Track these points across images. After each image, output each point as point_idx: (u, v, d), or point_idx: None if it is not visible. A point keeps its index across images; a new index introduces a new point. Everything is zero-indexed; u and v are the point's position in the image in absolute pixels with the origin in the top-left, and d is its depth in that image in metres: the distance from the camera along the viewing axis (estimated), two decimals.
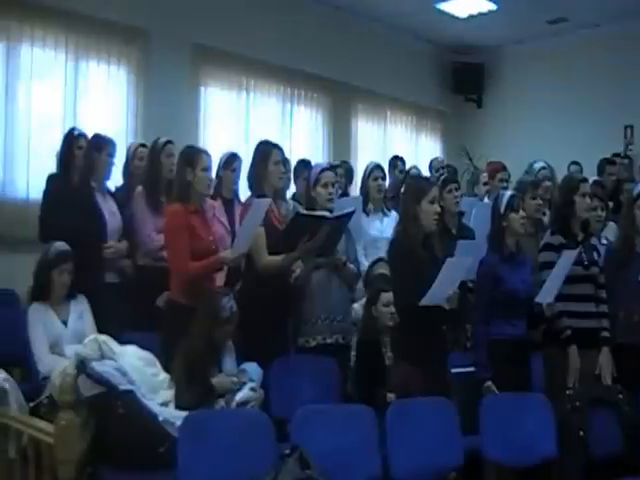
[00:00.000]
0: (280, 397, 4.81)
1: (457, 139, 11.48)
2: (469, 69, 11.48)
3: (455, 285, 4.67)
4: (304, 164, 7.30)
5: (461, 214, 6.45)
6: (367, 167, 6.71)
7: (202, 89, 8.58)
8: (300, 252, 4.94)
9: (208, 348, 4.52)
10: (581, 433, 4.64)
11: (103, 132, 6.10)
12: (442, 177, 6.59)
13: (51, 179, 6.03)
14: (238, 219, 5.47)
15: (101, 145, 5.75)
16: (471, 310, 5.24)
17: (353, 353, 5.24)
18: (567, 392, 4.84)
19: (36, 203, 6.26)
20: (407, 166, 8.37)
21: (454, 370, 4.97)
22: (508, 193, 5.23)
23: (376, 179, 6.58)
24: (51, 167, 6.11)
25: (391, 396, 4.68)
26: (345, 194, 7.45)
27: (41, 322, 4.90)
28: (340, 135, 10.10)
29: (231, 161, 6.37)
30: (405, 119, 11.14)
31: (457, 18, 10.25)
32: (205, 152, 5.11)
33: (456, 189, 6.29)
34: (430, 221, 4.83)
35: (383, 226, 6.46)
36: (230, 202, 6.27)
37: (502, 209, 5.06)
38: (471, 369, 4.96)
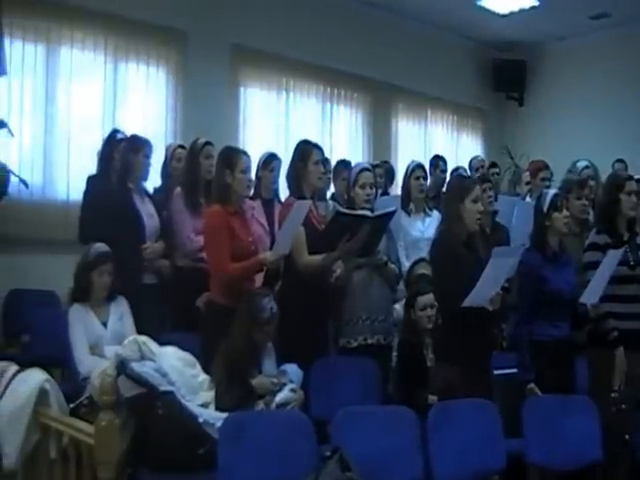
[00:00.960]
0: (320, 398, 4.80)
1: (498, 138, 11.41)
2: (510, 66, 11.39)
3: (498, 286, 4.63)
4: (344, 164, 7.28)
5: (494, 213, 6.42)
6: (408, 166, 6.69)
7: (241, 89, 8.62)
8: (341, 252, 4.93)
9: (248, 349, 4.51)
10: (627, 437, 4.58)
11: (142, 133, 6.14)
12: (477, 176, 6.58)
13: (91, 180, 6.08)
14: (277, 220, 5.47)
15: (138, 146, 5.76)
16: (508, 310, 5.18)
17: (394, 354, 5.23)
18: (612, 395, 4.77)
19: (76, 205, 6.32)
20: (448, 166, 8.32)
21: (496, 372, 4.93)
22: (552, 192, 5.17)
23: (418, 178, 6.55)
24: (91, 168, 6.16)
25: (433, 398, 4.66)
26: (386, 194, 7.43)
27: (81, 323, 4.92)
28: (380, 135, 10.08)
29: (270, 161, 6.37)
30: (446, 118, 11.09)
31: (498, 14, 10.16)
32: (244, 153, 5.11)
33: (490, 188, 6.28)
34: (473, 220, 4.79)
35: (424, 226, 6.43)
36: (269, 202, 6.26)
37: (545, 208, 5.00)
38: (513, 371, 4.91)
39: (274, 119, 8.89)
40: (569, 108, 10.82)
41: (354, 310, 5.21)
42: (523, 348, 4.82)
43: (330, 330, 5.31)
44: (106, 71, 7.44)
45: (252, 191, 5.85)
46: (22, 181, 6.33)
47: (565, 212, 5.01)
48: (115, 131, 6.32)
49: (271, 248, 5.08)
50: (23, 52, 6.89)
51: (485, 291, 4.54)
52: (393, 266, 5.36)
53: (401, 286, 5.70)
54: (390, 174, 8.18)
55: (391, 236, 5.48)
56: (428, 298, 5.04)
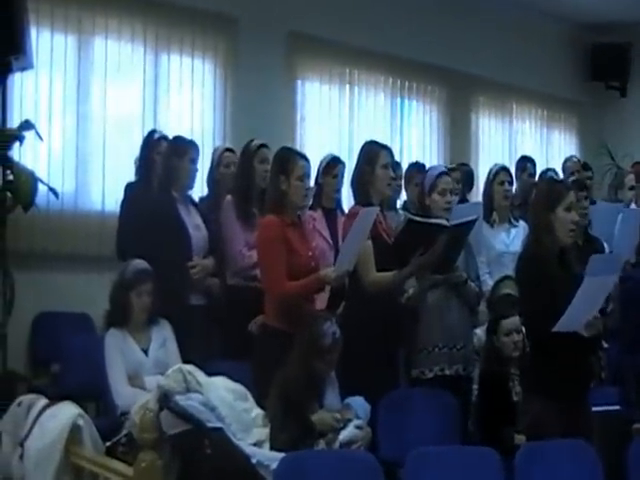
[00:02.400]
0: (390, 437, 4.82)
1: (596, 135, 11.29)
2: (611, 51, 11.24)
3: (595, 309, 4.59)
4: (417, 167, 7.29)
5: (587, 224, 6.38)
6: (491, 170, 6.68)
7: (299, 83, 8.67)
8: (414, 267, 4.94)
9: (308, 380, 4.55)
10: None
11: (186, 134, 6.23)
12: (572, 182, 6.52)
13: (129, 188, 6.20)
14: (341, 232, 5.49)
15: (182, 149, 5.80)
16: (609, 336, 5.14)
17: (475, 386, 5.22)
18: None
19: (113, 216, 6.45)
20: (537, 169, 8.27)
21: (594, 408, 4.89)
22: None
23: (502, 183, 6.54)
24: (129, 175, 6.26)
25: (520, 437, 4.64)
26: (463, 202, 7.41)
27: (119, 350, 5.01)
28: (458, 133, 10.07)
29: (332, 165, 6.39)
30: (534, 113, 11.03)
31: None
32: (302, 157, 5.16)
33: (585, 198, 6.22)
34: (566, 232, 4.75)
35: (510, 239, 6.42)
36: (332, 212, 6.30)
37: None
38: (615, 407, 4.87)
39: (336, 117, 8.93)
40: None
41: (429, 336, 5.21)
42: (627, 381, 4.79)
43: (401, 359, 5.32)
44: (146, 64, 7.51)
45: (311, 200, 5.88)
46: (51, 190, 6.44)
47: None
48: (153, 131, 6.44)
49: (334, 264, 5.11)
50: (52, 43, 6.97)
51: (580, 314, 4.50)
52: (473, 285, 5.35)
53: (483, 308, 5.69)
54: (469, 179, 8.14)
55: (471, 250, 5.48)
56: (514, 322, 5.03)
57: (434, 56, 9.57)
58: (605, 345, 5.76)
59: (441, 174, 5.36)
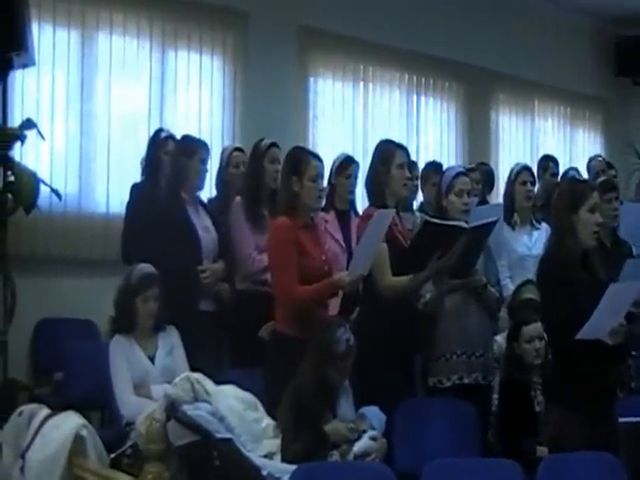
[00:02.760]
0: (406, 448, 4.82)
1: (622, 133, 11.28)
2: (637, 45, 11.22)
3: (620, 315, 4.57)
4: (433, 167, 7.29)
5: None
6: (512, 169, 6.67)
7: (311, 80, 8.68)
8: (431, 271, 4.94)
9: (320, 389, 4.55)
10: None
11: (193, 133, 6.24)
12: (599, 181, 6.50)
13: (135, 189, 6.21)
14: (355, 234, 5.50)
15: (191, 149, 5.82)
16: (636, 343, 5.13)
17: (495, 396, 5.22)
18: None
19: (118, 218, 6.46)
20: (561, 168, 8.26)
21: (621, 419, 4.87)
22: None
23: (524, 183, 6.54)
24: (135, 176, 6.28)
25: (542, 449, 4.64)
26: (483, 203, 7.41)
27: (124, 358, 5.02)
28: (477, 131, 10.07)
29: (346, 165, 6.37)
30: (557, 110, 11.03)
31: None
32: (315, 156, 5.15)
33: (616, 198, 6.21)
34: (589, 234, 4.74)
35: (532, 242, 6.42)
36: (345, 214, 6.29)
37: None
38: None
39: (350, 115, 8.94)
40: None
41: (447, 343, 5.21)
42: None
43: (418, 367, 5.32)
44: (152, 61, 7.52)
45: (324, 201, 5.89)
46: (54, 191, 6.45)
47: None
48: (159, 130, 6.45)
49: (347, 268, 5.11)
50: (54, 39, 6.98)
51: (605, 321, 4.48)
52: (493, 289, 5.35)
53: (503, 314, 5.69)
54: (488, 179, 8.14)
55: (491, 253, 5.47)
56: (535, 328, 5.02)
57: (452, 51, 9.57)
58: (634, 353, 5.76)
59: (458, 174, 5.36)
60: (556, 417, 4.63)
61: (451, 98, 9.90)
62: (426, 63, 9.54)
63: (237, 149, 6.60)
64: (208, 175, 6.07)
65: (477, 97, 10.08)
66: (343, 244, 6.10)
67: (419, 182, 7.25)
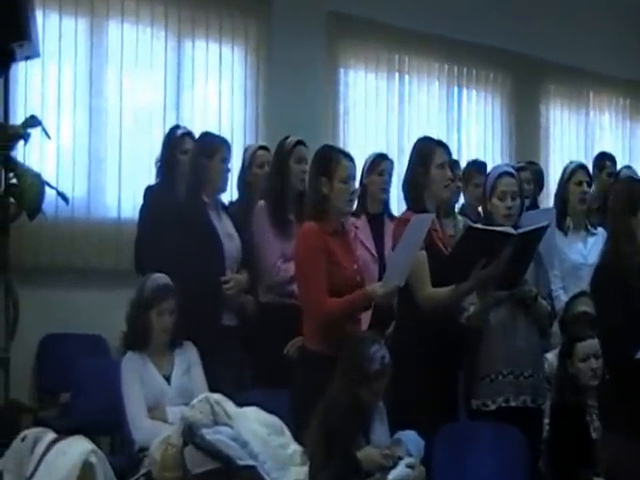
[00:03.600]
0: (447, 477, 4.81)
1: None
2: None
3: None
4: (476, 166, 7.29)
5: None
6: (566, 168, 6.66)
7: (341, 71, 8.69)
8: (475, 282, 4.93)
9: (352, 411, 4.55)
10: None
11: (213, 130, 6.26)
12: None
13: (150, 192, 6.23)
14: (390, 240, 5.49)
15: (212, 148, 5.84)
16: None
17: (547, 420, 5.19)
18: None
19: (130, 224, 6.50)
20: (619, 166, 8.23)
21: None
22: None
23: (579, 184, 6.52)
24: (149, 177, 6.30)
25: None
26: (534, 205, 7.39)
27: (137, 377, 5.05)
28: (525, 127, 10.04)
29: (379, 163, 6.39)
30: (614, 102, 10.97)
31: None
32: (345, 155, 5.16)
33: None
34: None
35: (587, 249, 6.40)
36: (378, 218, 6.31)
37: None
38: None
39: (384, 109, 8.94)
40: None
41: (492, 361, 5.19)
42: None
43: (460, 387, 5.31)
44: (167, 51, 7.56)
45: (355, 204, 5.89)
46: (61, 195, 6.47)
47: None
48: (176, 127, 6.47)
49: (381, 278, 5.11)
50: (60, 28, 7.04)
51: None
52: (544, 302, 5.33)
53: (555, 329, 5.67)
54: (538, 179, 8.12)
55: (542, 262, 5.45)
56: (591, 345, 5.01)
57: (496, 38, 9.53)
58: None
59: (502, 175, 5.33)
60: (614, 445, 4.61)
61: (496, 90, 9.87)
62: (468, 51, 9.51)
63: (261, 147, 6.61)
64: (230, 176, 6.08)
65: (525, 89, 10.05)
66: (374, 252, 6.11)
67: (461, 183, 7.23)
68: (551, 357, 5.51)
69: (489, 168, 6.44)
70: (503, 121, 9.89)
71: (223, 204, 6.08)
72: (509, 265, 4.88)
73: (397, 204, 6.30)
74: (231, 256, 5.79)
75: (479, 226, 5.05)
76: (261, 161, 6.44)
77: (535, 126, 10.18)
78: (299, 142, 6.12)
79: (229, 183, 6.16)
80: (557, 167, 6.96)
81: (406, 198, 5.35)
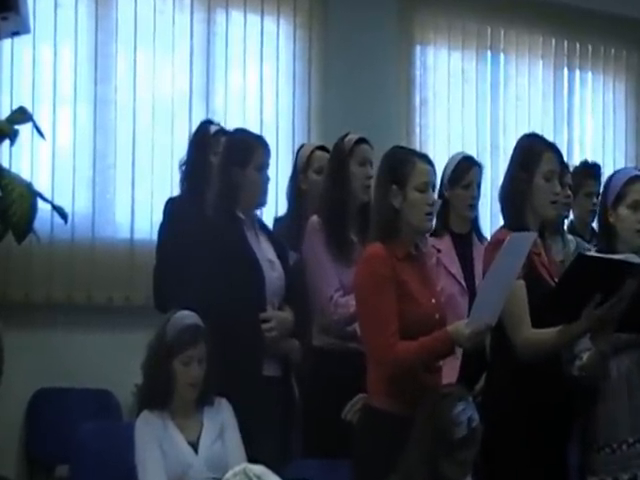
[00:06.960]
0: None
1: None
2: None
3: None
4: (588, 170, 7.24)
5: None
6: None
7: (417, 50, 8.77)
8: (589, 322, 4.90)
9: None
10: None
11: (252, 127, 6.30)
12: None
13: (172, 206, 6.25)
14: (480, 267, 5.49)
15: (246, 151, 5.79)
16: None
17: None
18: None
19: (147, 247, 6.54)
20: None
21: None
22: None
23: None
24: (172, 187, 6.35)
25: None
26: None
27: (156, 444, 5.07)
28: None
29: (465, 168, 6.37)
30: None
31: None
32: (422, 158, 5.16)
33: None
34: None
35: None
36: (465, 239, 6.33)
37: None
38: None
39: (472, 98, 9.01)
40: None
41: (613, 426, 5.17)
42: None
43: (573, 460, 5.31)
44: (193, 28, 7.63)
45: (435, 221, 5.89)
46: (57, 210, 6.48)
47: None
48: (207, 122, 6.48)
49: (468, 314, 5.13)
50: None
51: None
52: None
53: None
54: None
55: None
56: None
57: (620, 3, 9.50)
58: None
59: (633, 179, 5.31)
60: None
61: (620, 71, 9.88)
62: (583, 22, 9.54)
63: (319, 148, 6.63)
64: (271, 185, 6.07)
65: None
66: (462, 282, 6.13)
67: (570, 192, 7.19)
68: None
69: (605, 172, 6.43)
70: (627, 111, 9.89)
71: (262, 223, 6.02)
72: (633, 302, 4.87)
73: (489, 220, 6.29)
74: (272, 287, 5.73)
75: (592, 254, 5.04)
76: (320, 165, 6.42)
77: None
78: (361, 140, 6.13)
79: (271, 194, 6.17)
80: None
81: (503, 212, 5.35)
